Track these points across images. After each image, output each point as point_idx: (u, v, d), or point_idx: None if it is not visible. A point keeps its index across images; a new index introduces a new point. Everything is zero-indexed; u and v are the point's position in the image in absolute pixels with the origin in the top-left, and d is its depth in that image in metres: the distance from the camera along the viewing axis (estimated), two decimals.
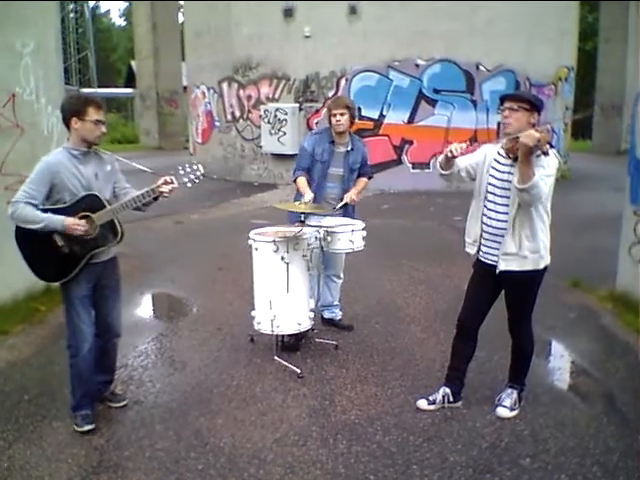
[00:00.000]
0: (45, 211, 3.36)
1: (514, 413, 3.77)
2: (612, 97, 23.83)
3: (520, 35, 13.98)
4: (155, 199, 3.56)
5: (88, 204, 3.42)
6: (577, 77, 18.17)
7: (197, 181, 3.63)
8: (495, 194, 3.57)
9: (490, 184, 3.59)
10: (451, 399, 3.88)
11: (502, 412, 3.78)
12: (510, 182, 3.48)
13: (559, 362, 4.80)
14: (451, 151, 3.52)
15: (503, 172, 3.53)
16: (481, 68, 13.89)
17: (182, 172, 3.58)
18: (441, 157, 3.66)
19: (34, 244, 3.46)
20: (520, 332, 3.80)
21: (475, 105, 13.89)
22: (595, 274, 6.51)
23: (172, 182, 3.50)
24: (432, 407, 3.87)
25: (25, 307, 5.55)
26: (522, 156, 3.25)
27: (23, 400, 3.98)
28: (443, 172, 3.72)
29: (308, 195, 4.74)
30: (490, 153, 3.64)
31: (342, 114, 4.85)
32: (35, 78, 5.71)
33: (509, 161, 3.51)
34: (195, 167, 3.60)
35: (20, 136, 5.58)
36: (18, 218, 3.34)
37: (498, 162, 3.57)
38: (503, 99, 3.55)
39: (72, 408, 3.67)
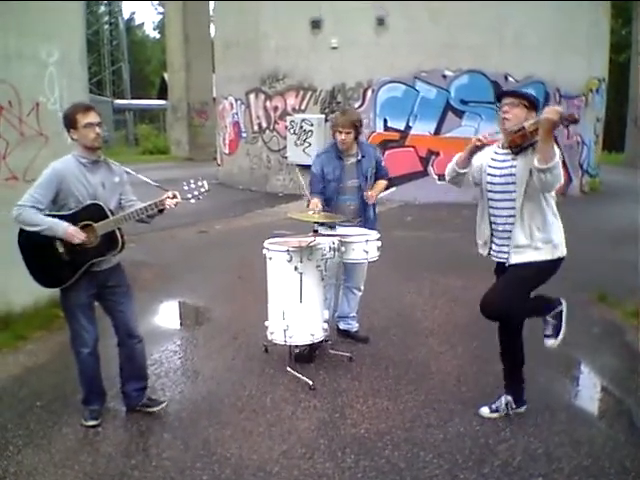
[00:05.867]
0: (49, 217, 3.42)
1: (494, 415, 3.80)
2: None
3: (550, 47, 13.77)
4: (160, 212, 3.60)
5: (91, 213, 3.48)
6: (611, 89, 17.84)
7: (201, 197, 3.66)
8: (496, 191, 3.57)
9: (490, 183, 3.60)
10: (513, 406, 3.83)
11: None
12: (513, 175, 3.48)
13: (579, 379, 4.66)
14: (480, 140, 3.53)
15: (503, 167, 3.54)
16: (510, 79, 13.68)
17: (186, 187, 3.61)
18: (460, 155, 3.67)
19: (36, 249, 3.52)
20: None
21: None
22: (622, 289, 6.31)
23: (176, 197, 3.54)
24: (495, 415, 3.83)
25: (45, 313, 5.60)
26: (544, 134, 3.21)
27: (36, 406, 4.01)
28: (459, 170, 3.70)
29: (314, 202, 4.73)
30: (485, 156, 3.66)
31: (348, 133, 4.77)
32: (59, 87, 5.79)
33: (510, 155, 3.51)
34: (200, 183, 3.63)
35: (44, 145, 5.66)
36: (23, 221, 3.41)
37: (495, 160, 3.59)
38: (502, 95, 3.62)
39: (82, 401, 3.83)
